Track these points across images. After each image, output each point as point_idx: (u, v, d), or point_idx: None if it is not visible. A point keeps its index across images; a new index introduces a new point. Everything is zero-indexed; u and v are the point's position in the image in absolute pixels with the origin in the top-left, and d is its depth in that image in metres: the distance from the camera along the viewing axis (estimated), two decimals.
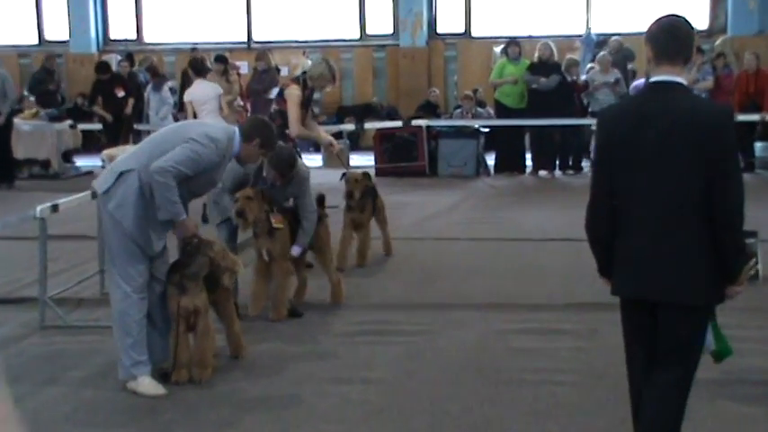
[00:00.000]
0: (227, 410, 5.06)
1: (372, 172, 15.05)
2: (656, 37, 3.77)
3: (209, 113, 12.65)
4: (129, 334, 5.31)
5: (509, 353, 6.03)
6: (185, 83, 16.90)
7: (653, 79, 3.76)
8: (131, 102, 15.90)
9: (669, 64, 3.72)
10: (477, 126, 15.85)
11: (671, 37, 3.73)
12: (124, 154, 5.76)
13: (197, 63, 13.58)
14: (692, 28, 3.81)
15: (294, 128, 8.00)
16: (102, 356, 5.82)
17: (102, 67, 16.15)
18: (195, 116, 12.30)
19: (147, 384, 5.30)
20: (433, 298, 7.44)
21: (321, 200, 7.42)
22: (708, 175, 3.57)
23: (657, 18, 3.87)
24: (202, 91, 12.54)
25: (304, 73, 8.26)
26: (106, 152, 12.54)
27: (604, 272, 3.92)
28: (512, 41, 16.03)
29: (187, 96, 12.82)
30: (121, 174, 5.27)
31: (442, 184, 14.45)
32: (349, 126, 16.73)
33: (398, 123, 15.82)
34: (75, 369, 5.79)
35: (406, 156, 15.34)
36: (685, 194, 3.62)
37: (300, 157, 7.61)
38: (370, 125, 16.68)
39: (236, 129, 5.56)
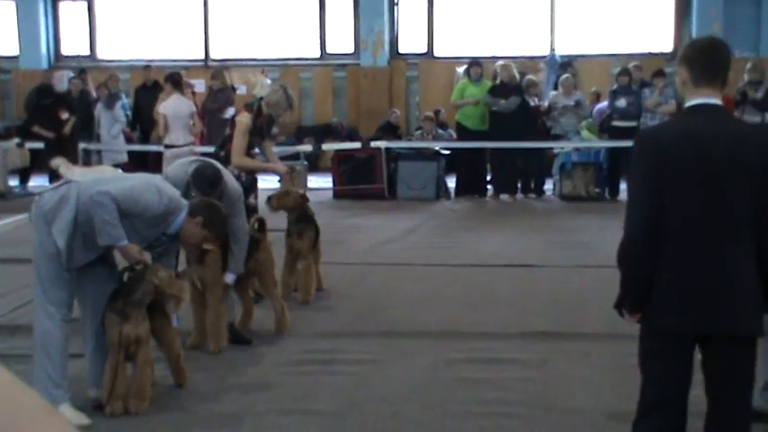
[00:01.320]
0: None
1: (330, 194, 15.26)
2: (694, 59, 3.71)
3: (180, 129, 12.66)
4: (50, 358, 5.26)
5: (457, 383, 6.00)
6: (139, 100, 16.87)
7: (693, 102, 3.70)
8: (71, 121, 15.63)
9: (708, 86, 3.68)
10: (437, 148, 15.90)
11: (710, 60, 3.70)
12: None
13: (175, 77, 13.55)
14: (729, 51, 3.79)
15: (235, 158, 7.83)
16: (32, 386, 5.70)
17: (45, 90, 15.88)
18: (167, 130, 12.32)
19: (68, 414, 5.21)
20: (383, 326, 7.40)
21: (261, 223, 7.34)
22: (762, 201, 3.56)
23: (693, 40, 3.88)
24: (178, 106, 12.57)
25: (260, 99, 8.14)
26: (54, 162, 12.43)
27: (636, 306, 3.74)
28: (473, 62, 16.11)
29: (162, 109, 12.79)
30: (63, 195, 5.25)
31: (400, 208, 14.45)
32: (307, 147, 16.71)
33: (357, 145, 15.84)
34: None
35: (364, 178, 15.36)
36: (741, 221, 3.57)
37: (240, 178, 7.52)
38: (329, 146, 16.67)
39: (187, 204, 5.47)
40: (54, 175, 12.08)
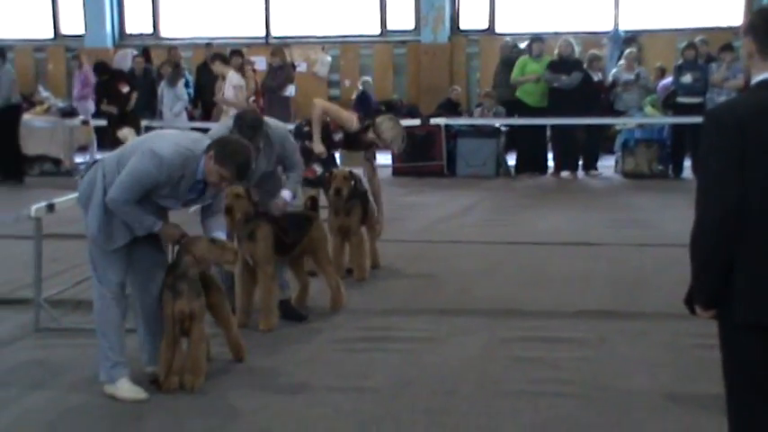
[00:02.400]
0: (216, 419, 5.02)
1: (389, 171, 15.23)
2: (762, 29, 3.33)
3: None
4: (106, 335, 5.34)
5: (512, 362, 5.96)
6: (200, 78, 17.00)
7: (761, 77, 3.33)
8: (135, 96, 15.89)
9: None
10: (497, 125, 15.77)
11: None
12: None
13: (225, 55, 13.65)
14: None
15: (317, 106, 8.19)
16: (94, 361, 5.76)
17: (101, 67, 16.17)
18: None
19: (126, 389, 5.29)
20: (439, 303, 7.37)
21: (314, 202, 7.33)
22: None
23: (762, 7, 3.51)
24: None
25: (371, 124, 8.25)
26: (122, 132, 12.64)
27: (713, 300, 3.35)
28: (534, 38, 15.93)
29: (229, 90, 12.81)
30: (91, 179, 5.33)
31: (459, 185, 14.40)
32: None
33: (417, 122, 15.82)
34: (66, 374, 5.78)
35: (424, 155, 15.29)
36: None
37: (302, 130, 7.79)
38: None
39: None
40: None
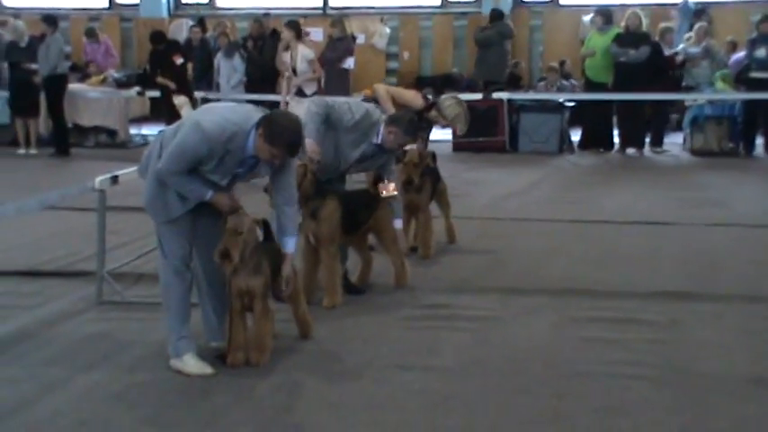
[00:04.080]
0: (283, 396, 5.05)
1: (449, 147, 15.21)
2: None
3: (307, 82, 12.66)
4: (170, 309, 5.41)
5: (581, 343, 5.93)
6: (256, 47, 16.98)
7: None
8: (190, 67, 15.77)
9: None
10: (561, 100, 15.64)
11: None
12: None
13: (298, 25, 13.61)
14: None
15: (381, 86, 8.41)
16: (158, 335, 5.85)
17: (158, 36, 16.11)
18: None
19: (192, 364, 5.34)
20: (505, 282, 7.35)
21: (378, 179, 7.31)
22: None
23: None
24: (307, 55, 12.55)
25: (435, 102, 8.28)
26: (179, 99, 12.75)
27: None
28: (599, 10, 15.75)
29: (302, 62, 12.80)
30: (150, 150, 5.38)
31: (522, 161, 14.36)
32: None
33: (478, 96, 15.72)
34: (130, 347, 5.85)
35: (485, 130, 15.19)
36: None
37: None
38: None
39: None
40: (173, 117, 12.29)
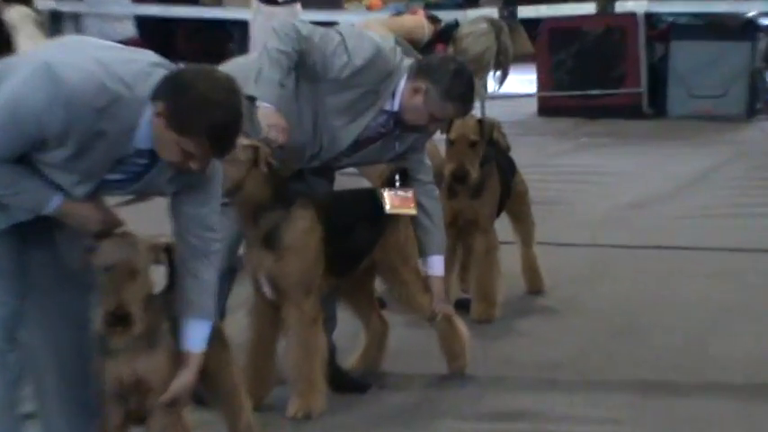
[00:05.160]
0: None
1: (532, 106, 12.07)
2: None
3: None
4: None
5: None
6: None
7: None
8: None
9: None
10: (751, 14, 11.49)
11: None
12: None
13: None
14: None
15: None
16: None
17: None
18: None
19: None
20: (640, 371, 5.14)
21: (398, 174, 5.22)
22: None
23: None
24: None
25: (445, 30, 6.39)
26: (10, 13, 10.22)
27: None
28: None
29: None
30: None
31: (674, 134, 10.71)
32: (490, 15, 11.95)
33: (589, 7, 11.41)
34: None
35: (601, 74, 11.24)
36: None
37: None
38: (530, 10, 11.73)
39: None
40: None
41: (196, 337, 3.95)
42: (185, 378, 3.90)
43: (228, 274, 4.80)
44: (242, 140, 4.23)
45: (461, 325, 5.17)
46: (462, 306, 5.81)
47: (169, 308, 3.97)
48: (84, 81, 3.53)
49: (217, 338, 4.08)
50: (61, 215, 3.66)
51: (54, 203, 3.62)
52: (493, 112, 7.08)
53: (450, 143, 5.83)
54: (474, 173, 5.78)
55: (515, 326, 5.93)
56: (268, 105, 4.62)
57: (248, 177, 4.54)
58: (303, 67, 4.72)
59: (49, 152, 3.58)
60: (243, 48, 10.54)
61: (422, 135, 5.07)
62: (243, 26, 10.41)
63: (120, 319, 3.71)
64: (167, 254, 3.89)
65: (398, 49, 4.92)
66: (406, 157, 5.14)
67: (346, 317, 5.16)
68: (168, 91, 3.57)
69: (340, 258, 4.93)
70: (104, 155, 3.61)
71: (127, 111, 3.59)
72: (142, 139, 3.61)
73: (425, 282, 5.18)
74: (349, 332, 5.19)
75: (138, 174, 3.72)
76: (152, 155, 3.69)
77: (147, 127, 3.61)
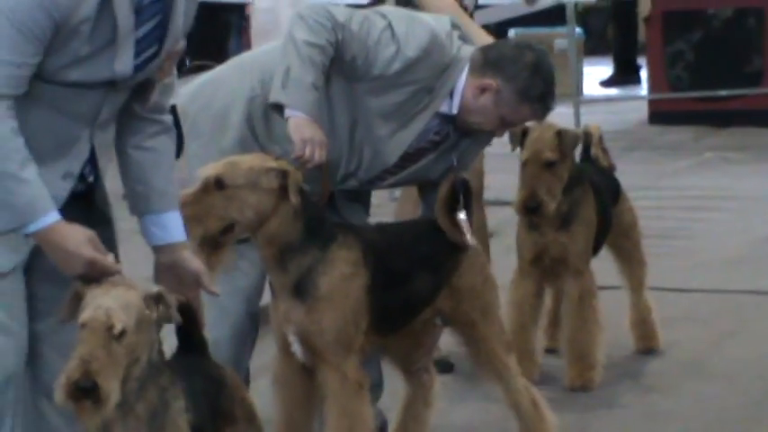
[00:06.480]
0: None
1: (642, 111, 11.06)
2: None
3: None
4: None
5: None
6: None
7: None
8: None
9: None
10: None
11: None
12: None
13: None
14: None
15: None
16: None
17: None
18: None
19: None
20: None
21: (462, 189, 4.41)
22: None
23: None
24: None
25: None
26: None
27: None
28: None
29: None
30: None
31: None
32: None
33: None
34: None
35: (732, 69, 10.10)
36: None
37: None
38: None
39: None
40: None
41: (179, 227, 3.57)
42: (198, 263, 3.60)
43: (249, 331, 4.32)
44: (266, 162, 3.76)
45: (548, 412, 4.31)
46: (444, 367, 5.06)
47: (182, 381, 3.46)
48: None
49: (246, 416, 3.50)
50: (45, 241, 3.23)
51: (48, 219, 3.20)
52: (592, 118, 6.49)
53: (522, 165, 5.13)
54: (552, 202, 5.02)
55: (621, 396, 5.11)
56: (301, 115, 3.99)
57: (275, 210, 3.91)
58: (339, 62, 4.10)
59: (64, 45, 3.09)
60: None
61: (480, 139, 4.42)
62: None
63: (85, 391, 3.15)
64: (181, 311, 3.29)
65: (455, 33, 4.21)
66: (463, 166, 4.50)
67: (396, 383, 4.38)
68: None
69: (390, 311, 4.19)
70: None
71: None
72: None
73: (502, 338, 4.42)
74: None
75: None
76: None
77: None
